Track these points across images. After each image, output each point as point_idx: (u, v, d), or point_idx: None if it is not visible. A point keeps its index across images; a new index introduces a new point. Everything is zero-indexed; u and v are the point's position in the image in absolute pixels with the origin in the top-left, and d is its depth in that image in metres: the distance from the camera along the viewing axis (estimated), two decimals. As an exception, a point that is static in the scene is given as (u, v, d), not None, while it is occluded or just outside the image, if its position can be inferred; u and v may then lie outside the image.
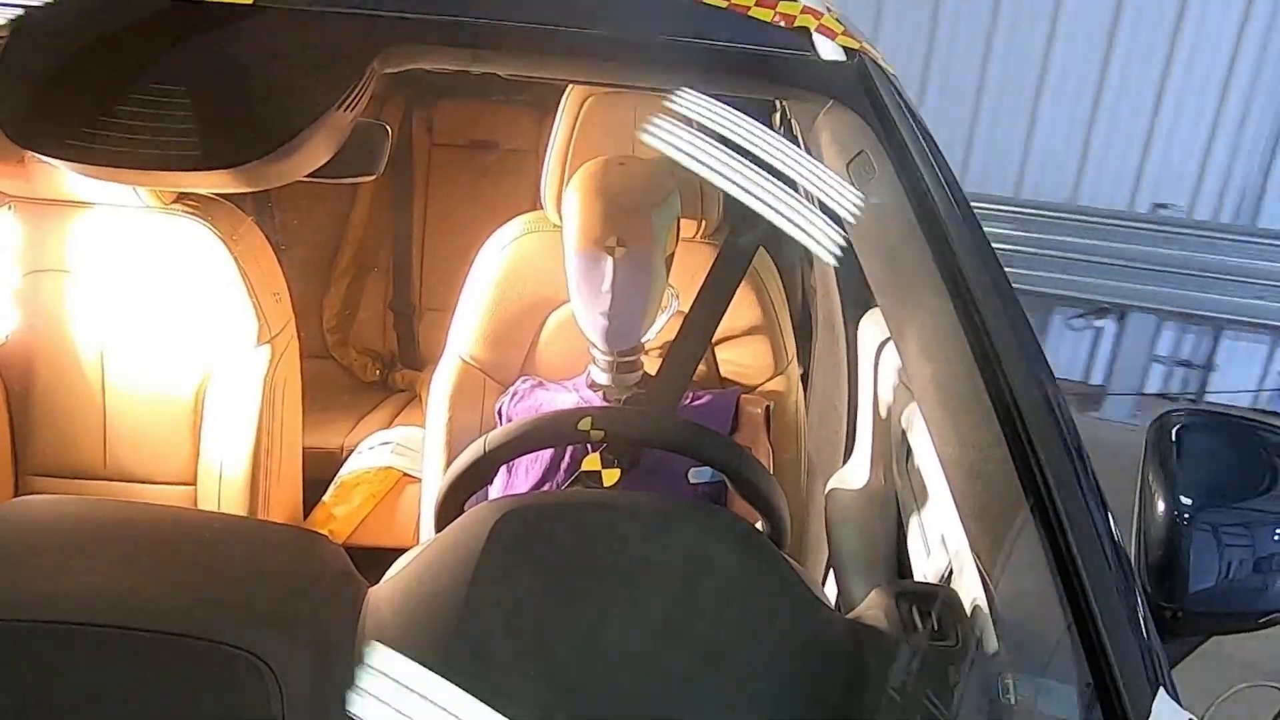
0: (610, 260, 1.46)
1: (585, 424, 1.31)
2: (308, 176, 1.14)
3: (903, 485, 1.42)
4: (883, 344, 1.53)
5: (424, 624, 0.88)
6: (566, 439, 1.38)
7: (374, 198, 2.81)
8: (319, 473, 2.11)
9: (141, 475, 1.78)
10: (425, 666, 0.83)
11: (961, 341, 0.97)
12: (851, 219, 1.17)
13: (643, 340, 1.58)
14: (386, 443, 2.23)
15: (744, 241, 1.69)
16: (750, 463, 1.28)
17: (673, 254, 1.54)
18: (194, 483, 1.77)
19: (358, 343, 2.85)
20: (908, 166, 1.06)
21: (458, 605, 0.87)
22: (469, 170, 2.79)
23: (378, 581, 0.94)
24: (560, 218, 1.58)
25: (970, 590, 0.97)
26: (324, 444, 2.35)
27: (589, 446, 1.52)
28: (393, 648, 0.84)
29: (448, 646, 0.85)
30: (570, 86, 1.68)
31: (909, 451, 1.37)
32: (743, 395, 1.69)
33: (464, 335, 1.72)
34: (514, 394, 1.66)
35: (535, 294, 1.71)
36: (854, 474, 1.65)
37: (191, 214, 1.69)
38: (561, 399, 1.62)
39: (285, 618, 0.87)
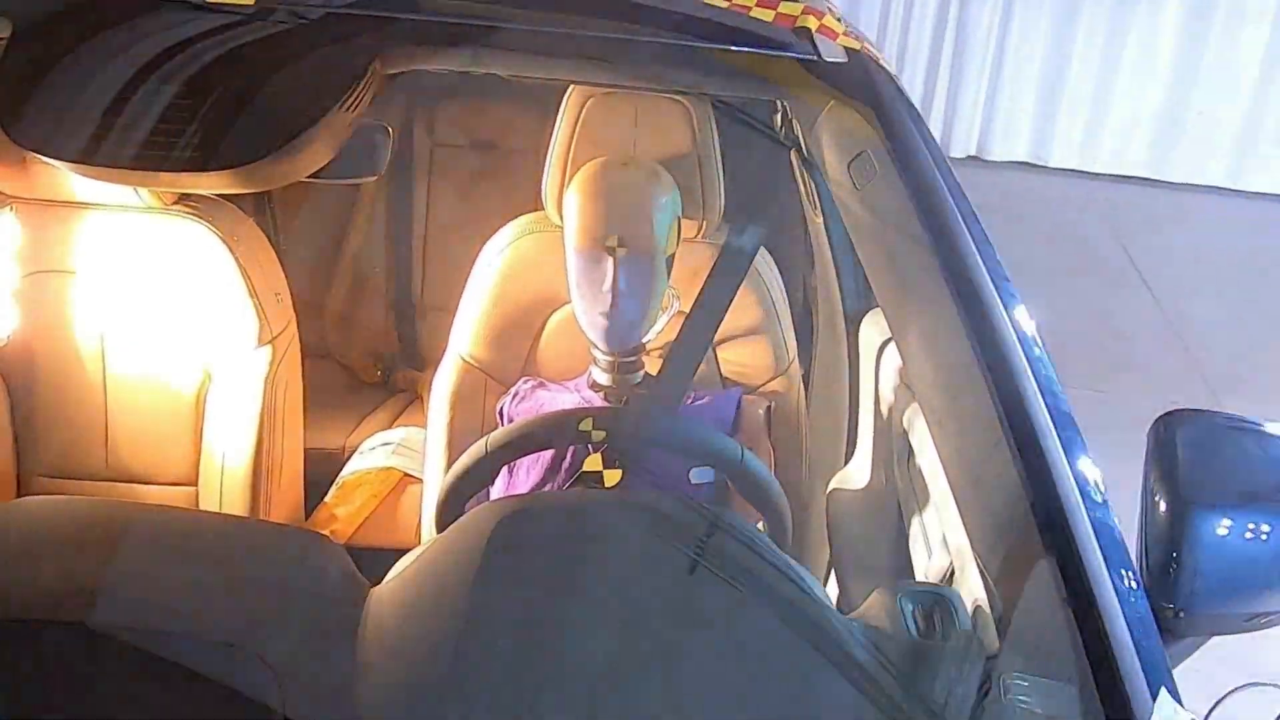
0: (611, 260, 1.46)
1: (586, 424, 1.31)
2: (309, 177, 1.14)
3: (904, 485, 1.42)
4: (884, 344, 1.53)
5: (425, 624, 0.88)
6: (568, 439, 1.38)
7: (375, 198, 2.80)
8: (321, 473, 2.10)
9: (143, 476, 1.77)
10: (426, 667, 0.83)
11: (963, 342, 0.97)
12: (853, 219, 1.17)
13: (644, 340, 1.58)
14: (388, 443, 2.22)
15: (745, 241, 1.69)
16: (751, 463, 1.29)
17: (673, 254, 1.54)
18: (195, 483, 1.77)
19: (359, 343, 2.84)
20: (909, 166, 1.06)
21: (459, 606, 0.87)
22: (470, 170, 2.79)
23: (379, 582, 0.94)
24: (561, 218, 1.58)
25: (971, 590, 0.97)
26: (325, 444, 2.34)
27: (590, 447, 1.52)
28: (394, 648, 0.84)
29: (449, 647, 0.85)
30: (571, 87, 1.68)
31: (910, 452, 1.37)
32: (744, 395, 1.69)
33: (465, 336, 1.72)
34: (515, 394, 1.65)
35: (536, 294, 1.71)
36: (855, 474, 1.65)
37: (192, 215, 1.69)
38: (563, 399, 1.62)
39: (287, 618, 0.87)
